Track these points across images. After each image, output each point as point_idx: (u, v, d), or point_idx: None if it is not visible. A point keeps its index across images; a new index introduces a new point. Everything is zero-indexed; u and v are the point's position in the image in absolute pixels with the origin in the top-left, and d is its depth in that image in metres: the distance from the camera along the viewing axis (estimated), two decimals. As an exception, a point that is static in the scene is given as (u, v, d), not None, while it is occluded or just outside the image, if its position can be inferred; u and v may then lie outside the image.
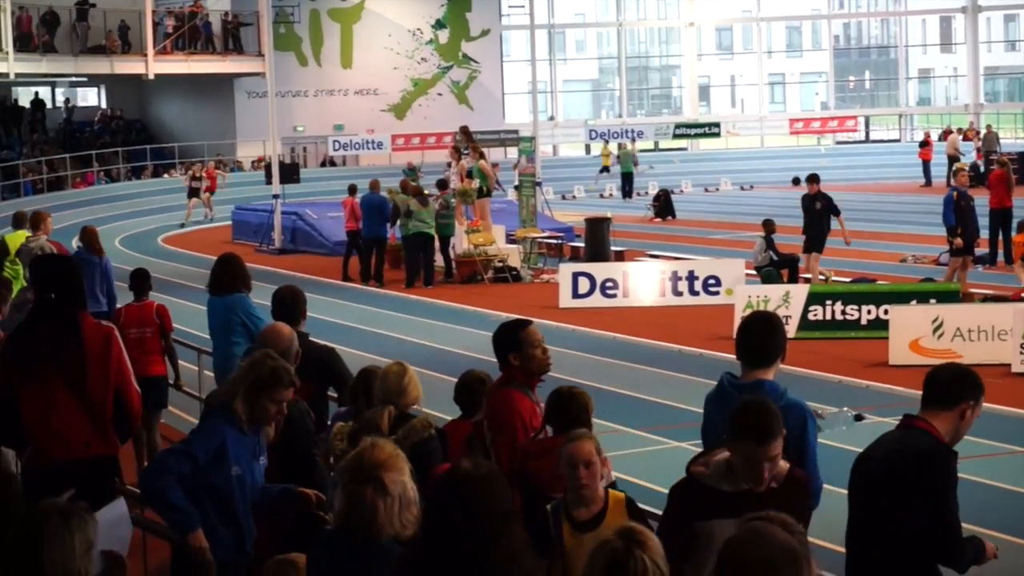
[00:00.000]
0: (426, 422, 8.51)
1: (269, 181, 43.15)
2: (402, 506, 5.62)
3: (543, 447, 7.95)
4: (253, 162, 60.02)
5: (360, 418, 8.76)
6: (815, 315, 23.34)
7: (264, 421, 7.71)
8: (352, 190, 34.23)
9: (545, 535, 7.13)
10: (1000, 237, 30.93)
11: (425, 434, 8.43)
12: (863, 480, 6.88)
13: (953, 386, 6.83)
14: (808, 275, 27.26)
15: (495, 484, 5.11)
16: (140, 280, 15.20)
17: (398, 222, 31.69)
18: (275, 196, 41.65)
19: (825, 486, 7.50)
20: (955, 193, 26.83)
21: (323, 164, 62.05)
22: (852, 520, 6.92)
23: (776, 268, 27.57)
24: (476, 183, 33.94)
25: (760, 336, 7.55)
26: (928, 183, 57.89)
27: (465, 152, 35.23)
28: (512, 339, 8.59)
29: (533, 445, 8.12)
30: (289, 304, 10.29)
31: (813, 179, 28.54)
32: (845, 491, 6.92)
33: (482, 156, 35.04)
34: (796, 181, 60.35)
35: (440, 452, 8.47)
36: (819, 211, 27.63)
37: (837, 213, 27.55)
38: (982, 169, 51.03)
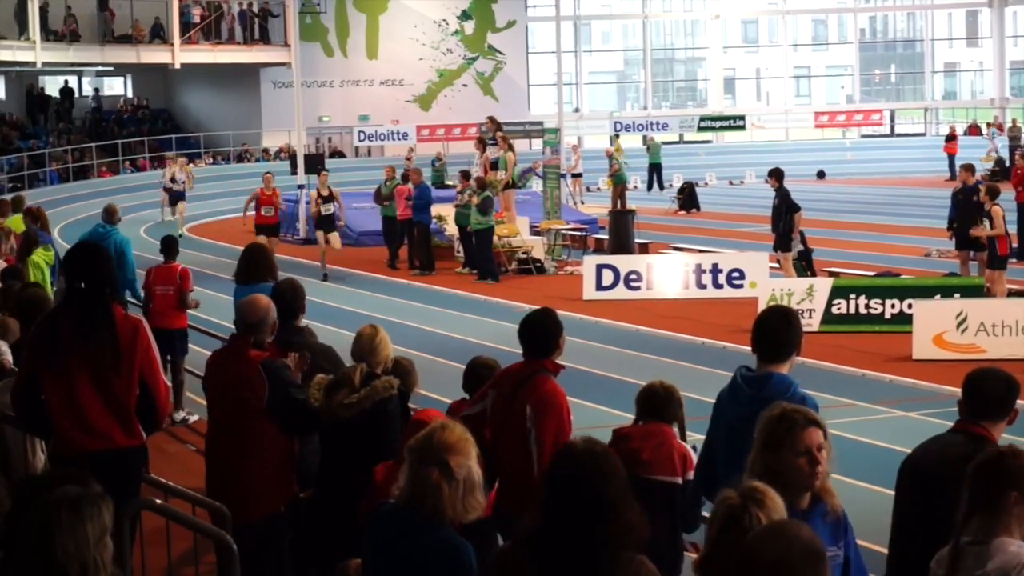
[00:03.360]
0: (389, 383, 8.82)
1: (294, 171, 43.26)
2: (466, 490, 5.70)
3: (644, 432, 8.63)
4: (278, 152, 60.07)
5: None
6: (839, 308, 23.32)
7: None
8: (405, 178, 34.18)
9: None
10: (1027, 231, 30.94)
11: (385, 394, 8.78)
12: (914, 482, 6.83)
13: (1010, 396, 6.81)
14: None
15: (613, 458, 5.26)
16: (169, 245, 17.75)
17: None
18: (300, 186, 41.74)
19: (865, 485, 7.51)
20: (958, 186, 26.92)
21: (332, 156, 61.88)
22: (899, 522, 6.87)
23: (802, 260, 27.42)
24: (501, 174, 33.98)
25: (775, 330, 7.59)
26: (953, 176, 57.67)
27: (491, 142, 35.25)
28: (560, 327, 8.92)
29: (634, 430, 8.70)
30: (288, 299, 10.37)
31: (775, 174, 27.60)
32: (883, 490, 6.86)
33: (510, 148, 35.08)
34: (821, 175, 60.32)
35: (399, 413, 8.89)
36: (775, 207, 27.00)
37: (796, 210, 26.62)
38: (1008, 163, 50.88)
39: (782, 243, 26.71)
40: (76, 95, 62.94)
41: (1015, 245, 30.67)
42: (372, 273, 32.67)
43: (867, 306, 23.33)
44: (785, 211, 26.65)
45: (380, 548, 5.86)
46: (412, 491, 5.72)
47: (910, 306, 22.14)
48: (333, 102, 63.71)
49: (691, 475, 8.39)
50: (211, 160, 60.30)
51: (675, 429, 8.81)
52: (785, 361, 7.53)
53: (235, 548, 7.81)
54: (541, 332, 8.88)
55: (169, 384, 9.60)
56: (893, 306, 23.14)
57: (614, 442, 8.52)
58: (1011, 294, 23.76)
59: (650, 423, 8.73)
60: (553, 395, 8.71)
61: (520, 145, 48.00)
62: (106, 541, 5.13)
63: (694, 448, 8.60)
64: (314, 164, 42.37)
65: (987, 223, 23.98)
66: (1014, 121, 61.60)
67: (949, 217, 27.02)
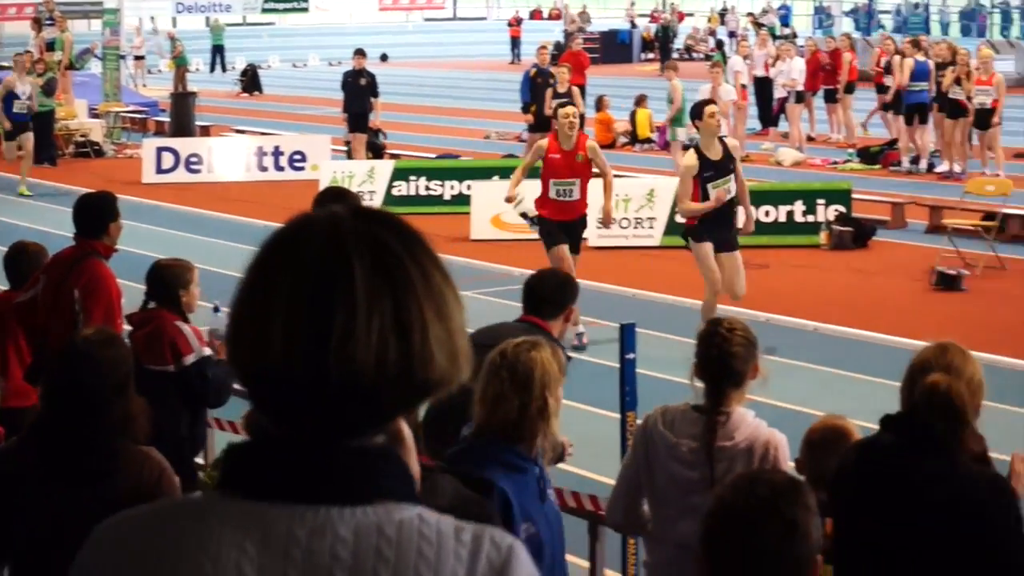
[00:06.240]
0: None
1: None
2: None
3: (143, 318, 8.21)
4: None
5: None
6: (399, 191, 23.58)
7: None
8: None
9: None
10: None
11: None
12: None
13: (565, 297, 7.31)
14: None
15: (118, 349, 5.36)
16: None
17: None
18: None
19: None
20: (533, 70, 27.44)
21: None
22: None
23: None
24: (58, 55, 32.89)
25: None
26: (516, 60, 58.82)
27: (48, 23, 34.07)
28: (113, 210, 8.79)
29: (137, 316, 8.26)
30: None
31: (359, 53, 27.35)
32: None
33: (64, 28, 33.96)
34: (384, 58, 60.54)
35: None
36: (364, 88, 27.05)
37: (376, 95, 26.64)
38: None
39: (362, 124, 26.66)
40: None
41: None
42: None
43: (427, 188, 23.66)
44: (370, 93, 26.57)
45: None
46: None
47: (469, 188, 22.54)
48: None
49: (197, 356, 8.05)
50: None
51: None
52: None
53: None
54: (94, 214, 8.78)
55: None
56: (452, 188, 23.54)
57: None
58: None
59: (151, 310, 8.25)
60: (101, 278, 8.58)
61: (79, 26, 46.48)
62: None
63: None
64: None
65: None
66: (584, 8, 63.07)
67: (524, 100, 27.43)
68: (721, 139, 14.19)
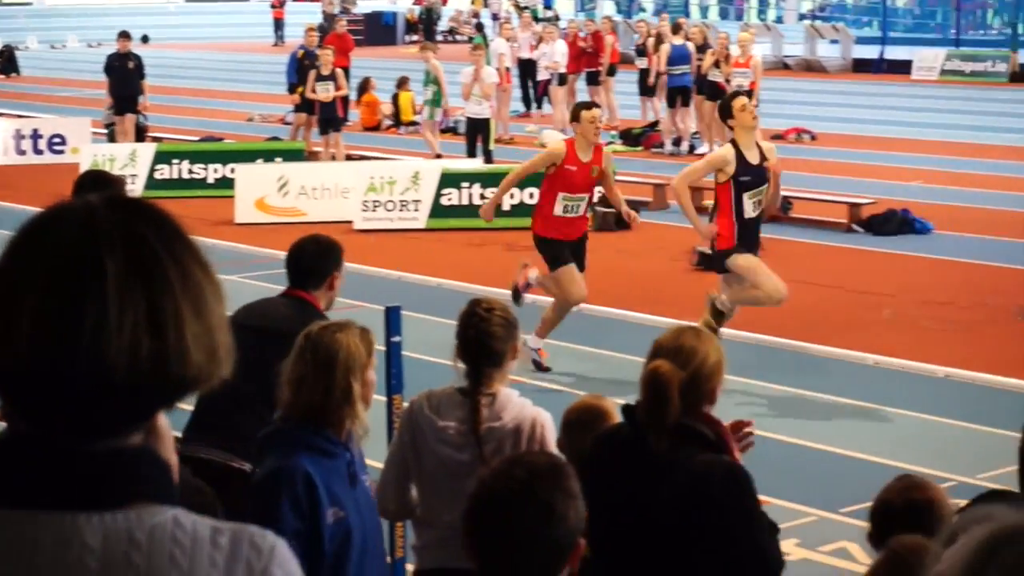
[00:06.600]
0: None
1: None
2: None
3: None
4: None
5: None
6: (162, 174, 23.27)
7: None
8: None
9: None
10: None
11: None
12: (244, 334, 6.94)
13: (326, 266, 7.22)
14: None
15: None
16: None
17: None
18: None
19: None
20: (300, 51, 27.31)
21: None
22: None
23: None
24: None
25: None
26: (280, 42, 58.34)
27: None
28: None
29: None
30: None
31: (124, 36, 27.28)
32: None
33: None
34: (145, 39, 59.41)
35: None
36: (132, 71, 26.77)
37: (143, 77, 26.62)
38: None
39: (131, 105, 26.31)
40: None
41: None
42: None
43: (190, 171, 23.38)
44: (139, 75, 26.26)
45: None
46: None
47: (233, 171, 22.32)
48: None
49: None
50: None
51: None
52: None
53: None
54: None
55: None
56: (216, 171, 23.29)
57: None
58: (349, 158, 24.44)
59: None
60: None
61: None
62: None
63: None
64: None
65: (331, 86, 24.59)
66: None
67: (291, 81, 27.32)
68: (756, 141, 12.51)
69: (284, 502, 5.13)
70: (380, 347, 8.16)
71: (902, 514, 4.82)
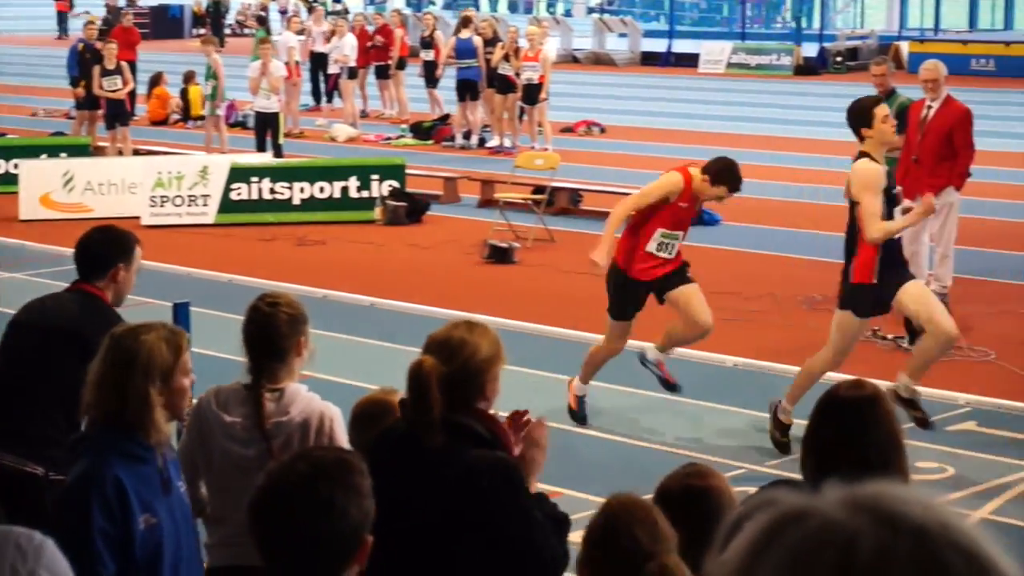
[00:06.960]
0: None
1: None
2: None
3: None
4: None
5: None
6: (-60, 171, 22.73)
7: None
8: None
9: None
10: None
11: None
12: (19, 334, 6.88)
13: (104, 257, 7.00)
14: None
15: None
16: None
17: None
18: None
19: None
20: (80, 45, 26.91)
21: None
22: None
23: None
24: None
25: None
26: (64, 35, 57.22)
27: None
28: None
29: None
30: None
31: None
32: None
33: None
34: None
35: None
36: None
37: None
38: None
39: None
40: None
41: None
42: None
43: (-28, 168, 22.85)
44: None
45: None
46: None
47: (16, 166, 21.87)
48: None
49: None
50: None
51: None
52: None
53: None
54: None
55: None
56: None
57: None
58: (136, 153, 24.16)
59: None
60: None
61: None
62: None
63: None
64: None
65: (117, 80, 24.36)
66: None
67: (72, 75, 26.92)
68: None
69: (94, 507, 4.96)
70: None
71: (678, 500, 4.84)
